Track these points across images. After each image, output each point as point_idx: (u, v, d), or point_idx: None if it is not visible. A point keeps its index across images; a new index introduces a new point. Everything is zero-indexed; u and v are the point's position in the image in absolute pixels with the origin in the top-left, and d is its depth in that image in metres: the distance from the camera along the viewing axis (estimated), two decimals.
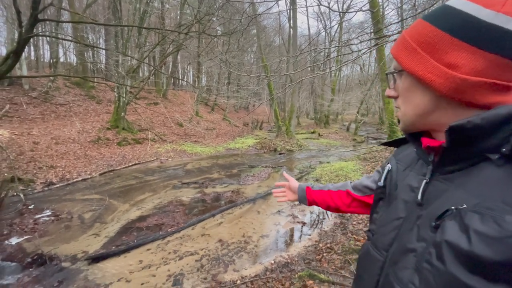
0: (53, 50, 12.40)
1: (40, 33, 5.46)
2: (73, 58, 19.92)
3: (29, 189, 5.54)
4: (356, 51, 2.97)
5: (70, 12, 11.64)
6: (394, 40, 2.56)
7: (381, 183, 0.61)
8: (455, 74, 0.40)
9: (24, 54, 10.48)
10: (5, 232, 3.83)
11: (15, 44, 3.33)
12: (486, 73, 0.39)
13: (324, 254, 3.31)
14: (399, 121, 0.53)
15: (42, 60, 18.28)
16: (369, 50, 3.07)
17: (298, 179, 6.69)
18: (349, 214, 4.55)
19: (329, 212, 4.74)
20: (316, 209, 4.93)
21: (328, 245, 3.53)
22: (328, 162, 8.62)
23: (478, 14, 0.39)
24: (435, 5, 2.81)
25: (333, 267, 2.99)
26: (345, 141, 14.53)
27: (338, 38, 18.65)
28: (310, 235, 3.96)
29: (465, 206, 0.37)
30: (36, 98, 10.31)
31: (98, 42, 21.16)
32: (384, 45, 5.75)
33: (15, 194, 5.07)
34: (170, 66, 19.48)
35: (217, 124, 16.18)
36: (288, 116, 14.35)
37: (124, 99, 10.00)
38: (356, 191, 0.83)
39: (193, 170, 7.75)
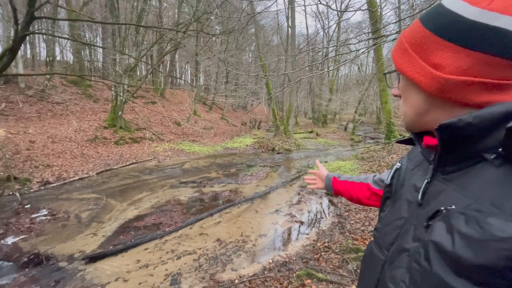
0: (49, 48, 12.26)
1: (37, 31, 5.43)
2: (69, 57, 19.78)
3: (25, 188, 5.49)
4: (354, 51, 2.98)
5: (66, 10, 11.52)
6: (392, 40, 2.57)
7: (387, 182, 0.61)
8: (439, 74, 0.40)
9: (20, 52, 10.38)
10: (1, 232, 3.80)
11: (11, 42, 3.30)
12: (473, 72, 0.38)
13: (322, 253, 3.32)
14: None
15: (38, 58, 18.08)
16: (367, 50, 3.08)
17: (296, 179, 6.72)
18: (348, 214, 4.58)
19: (326, 211, 4.76)
20: (313, 208, 4.95)
21: (326, 244, 3.54)
22: (326, 162, 8.64)
23: (464, 12, 0.38)
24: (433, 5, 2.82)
25: (331, 266, 3.01)
26: (343, 141, 14.56)
27: (336, 37, 18.72)
28: (308, 234, 3.96)
29: (453, 207, 0.37)
30: (32, 96, 10.22)
31: (95, 40, 21.05)
32: (382, 45, 5.77)
33: (11, 193, 5.02)
34: (168, 65, 19.44)
35: (215, 123, 16.14)
36: (286, 116, 14.37)
37: (121, 98, 9.94)
38: (375, 184, 0.85)
39: (191, 169, 7.73)
